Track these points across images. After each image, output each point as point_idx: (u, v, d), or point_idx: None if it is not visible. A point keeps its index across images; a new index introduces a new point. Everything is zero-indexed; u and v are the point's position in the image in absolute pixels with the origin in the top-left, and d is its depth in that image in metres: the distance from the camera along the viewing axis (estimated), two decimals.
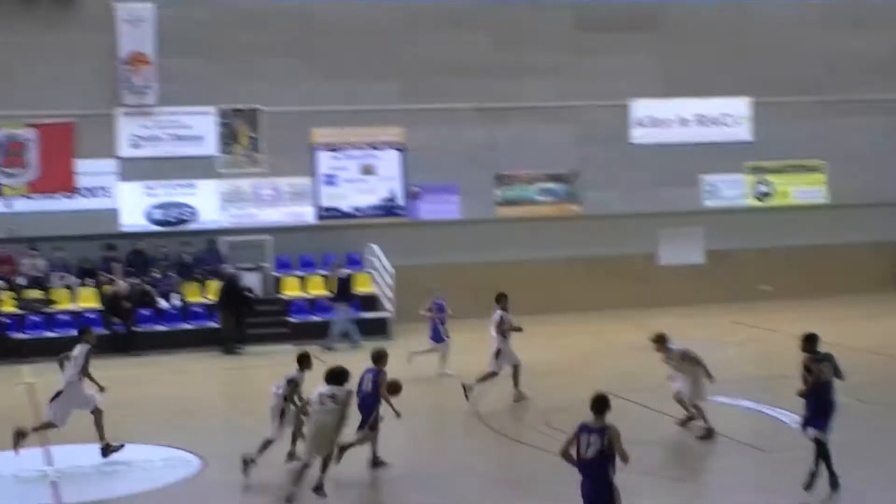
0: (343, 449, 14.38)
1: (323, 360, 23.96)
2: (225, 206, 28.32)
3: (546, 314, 27.63)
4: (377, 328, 26.54)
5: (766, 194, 31.57)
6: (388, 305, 27.24)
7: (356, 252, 28.74)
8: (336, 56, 28.94)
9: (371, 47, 29.08)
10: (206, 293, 26.81)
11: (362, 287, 27.86)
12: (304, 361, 14.79)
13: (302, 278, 27.90)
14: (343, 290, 25.82)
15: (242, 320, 25.50)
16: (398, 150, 29.39)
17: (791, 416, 16.74)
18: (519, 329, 18.92)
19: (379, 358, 15.13)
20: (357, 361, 23.12)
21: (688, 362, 16.09)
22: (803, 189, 31.77)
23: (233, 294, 25.42)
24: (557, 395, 18.32)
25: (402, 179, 29.42)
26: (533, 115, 30.04)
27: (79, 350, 15.58)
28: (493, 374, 18.75)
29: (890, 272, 31.87)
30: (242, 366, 23.91)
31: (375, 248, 28.07)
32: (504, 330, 18.86)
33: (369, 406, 14.74)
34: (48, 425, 15.62)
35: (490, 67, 29.63)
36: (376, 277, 28.03)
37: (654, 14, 30.91)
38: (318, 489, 13.51)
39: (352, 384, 14.18)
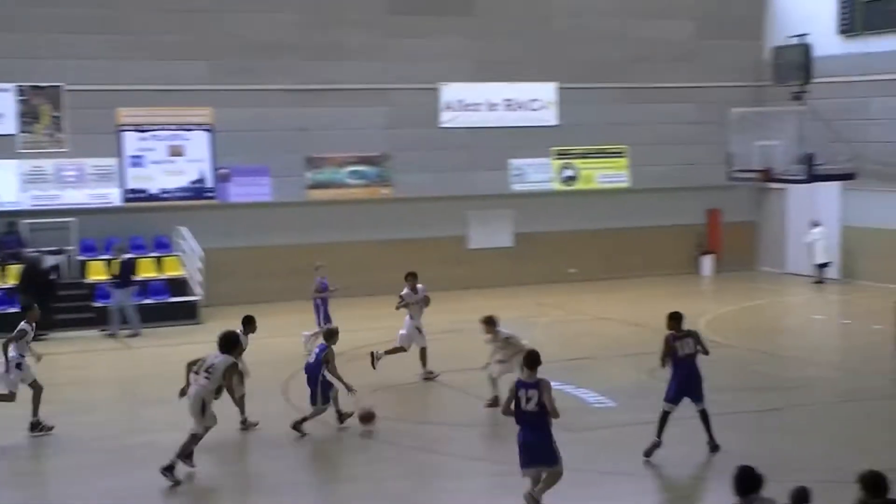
0: (299, 424, 15.47)
1: (123, 345, 23.56)
2: (25, 187, 27.37)
3: (358, 297, 27.74)
4: (187, 312, 26.15)
5: (571, 178, 32.40)
6: (197, 289, 26.86)
7: (165, 235, 28.23)
8: (143, 34, 28.27)
9: (179, 25, 28.52)
10: (6, 278, 25.89)
11: (171, 270, 27.40)
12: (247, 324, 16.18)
13: (108, 262, 27.20)
14: (125, 275, 25.23)
15: (46, 305, 24.67)
16: (207, 131, 28.94)
17: (596, 397, 17.38)
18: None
19: (330, 335, 16.07)
20: (138, 348, 23.01)
21: (510, 347, 16.54)
22: (607, 173, 32.74)
23: (34, 278, 24.60)
24: (370, 378, 18.44)
25: (211, 161, 29.00)
26: (344, 97, 30.01)
27: None
28: (401, 350, 19.23)
29: (689, 254, 33.23)
30: (46, 352, 23.17)
31: (184, 230, 27.62)
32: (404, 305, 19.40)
33: (313, 379, 15.60)
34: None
35: (301, 48, 29.48)
36: (185, 260, 27.60)
37: None
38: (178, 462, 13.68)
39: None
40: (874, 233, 29.97)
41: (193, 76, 28.65)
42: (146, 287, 26.50)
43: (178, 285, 26.93)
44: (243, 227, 28.99)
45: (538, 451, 11.53)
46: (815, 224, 30.97)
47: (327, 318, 21.45)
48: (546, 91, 31.95)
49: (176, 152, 28.69)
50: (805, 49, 30.19)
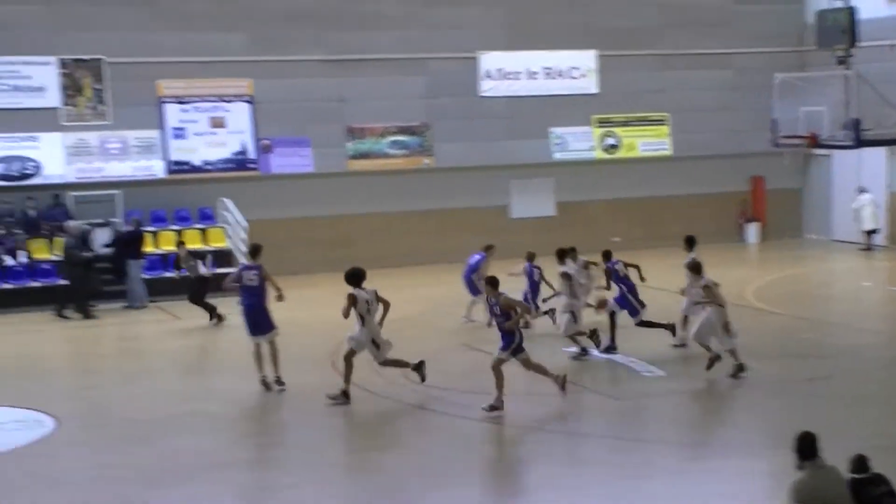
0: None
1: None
2: (70, 159, 27.54)
3: (399, 267, 27.84)
4: None
5: (613, 146, 32.22)
6: (242, 260, 26.95)
7: (208, 206, 28.34)
8: (183, 5, 28.31)
9: None
10: (54, 250, 26.09)
11: (216, 242, 27.52)
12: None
13: (154, 234, 27.35)
14: (136, 247, 25.32)
15: (91, 278, 24.89)
16: (248, 102, 28.99)
17: (644, 366, 17.33)
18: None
19: (256, 251, 17.27)
20: (148, 323, 23.21)
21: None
22: (649, 141, 32.51)
23: (81, 251, 24.71)
24: (410, 347, 18.45)
25: (252, 132, 29.05)
26: (383, 66, 29.95)
27: None
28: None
29: (733, 222, 32.99)
30: (92, 324, 23.43)
31: (228, 202, 27.72)
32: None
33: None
34: None
35: (339, 18, 29.40)
36: (230, 232, 27.71)
37: None
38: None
39: None
40: None
41: (233, 47, 28.67)
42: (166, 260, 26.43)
43: (223, 257, 27.04)
44: (285, 198, 29.03)
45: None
46: (863, 190, 30.64)
47: (528, 298, 20.47)
48: (586, 59, 31.73)
49: (217, 124, 28.76)
50: (850, 12, 29.72)
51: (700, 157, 32.33)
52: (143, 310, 24.65)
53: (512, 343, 14.94)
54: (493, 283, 15.31)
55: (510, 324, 14.86)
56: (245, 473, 13.17)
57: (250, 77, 28.87)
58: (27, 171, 27.13)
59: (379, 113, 30.06)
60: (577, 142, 31.86)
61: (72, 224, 25.38)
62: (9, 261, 25.59)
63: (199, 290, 23.34)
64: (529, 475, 13.02)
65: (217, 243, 27.46)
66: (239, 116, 28.86)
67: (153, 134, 28.19)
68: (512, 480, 12.89)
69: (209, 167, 28.63)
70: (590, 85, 31.80)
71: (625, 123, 32.28)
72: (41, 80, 27.22)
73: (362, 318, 15.68)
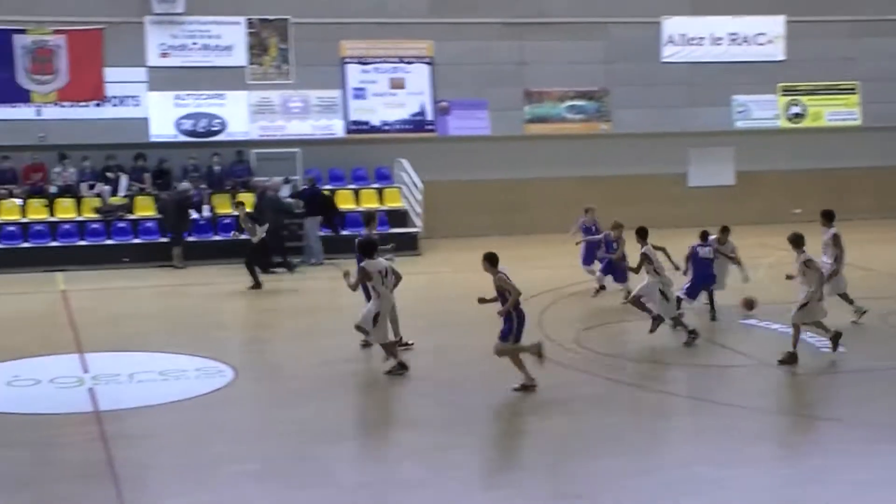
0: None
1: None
2: (254, 117, 28.24)
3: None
4: (407, 243, 26.56)
5: (798, 115, 31.27)
6: (417, 221, 27.25)
7: (385, 166, 28.68)
8: None
9: None
10: (237, 204, 26.75)
11: (392, 202, 27.84)
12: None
13: (331, 192, 27.81)
14: (314, 205, 25.62)
15: (284, 234, 25.34)
16: (427, 63, 29.16)
17: (823, 341, 16.79)
18: None
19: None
20: (322, 280, 23.42)
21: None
22: (837, 111, 31.44)
23: (275, 208, 25.09)
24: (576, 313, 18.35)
25: (431, 94, 29.23)
26: (563, 30, 29.71)
27: None
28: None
29: None
30: (275, 278, 23.94)
31: (405, 162, 28.00)
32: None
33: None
34: None
35: None
36: (405, 192, 28.00)
37: None
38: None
39: None
40: None
41: (414, 9, 28.86)
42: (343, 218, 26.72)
43: (399, 217, 27.36)
44: (461, 160, 29.15)
45: None
46: None
47: (603, 266, 20.34)
48: (774, 25, 30.83)
49: (397, 85, 29.03)
50: None
51: (892, 127, 31.08)
52: (319, 266, 25.10)
53: (511, 331, 13.95)
54: (492, 259, 14.19)
55: (502, 311, 13.90)
56: (414, 432, 13.31)
57: (431, 39, 29.04)
58: (213, 128, 27.96)
59: (557, 77, 29.86)
60: (761, 110, 31.04)
61: (276, 180, 26.02)
62: (194, 215, 26.43)
63: (257, 254, 22.76)
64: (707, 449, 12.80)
65: (392, 203, 27.79)
66: (418, 78, 29.08)
67: (334, 94, 28.65)
68: (687, 452, 12.69)
69: (387, 128, 28.95)
70: (776, 52, 30.91)
71: (812, 92, 31.28)
72: (230, 39, 27.97)
73: (377, 292, 14.90)
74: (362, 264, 15.04)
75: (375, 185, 28.37)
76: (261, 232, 22.75)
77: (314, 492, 11.08)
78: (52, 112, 27.09)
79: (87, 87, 27.10)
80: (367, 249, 15.17)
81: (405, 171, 27.96)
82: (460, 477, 11.39)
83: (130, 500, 10.84)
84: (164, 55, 27.65)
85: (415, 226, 27.20)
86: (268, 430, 13.27)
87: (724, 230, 19.24)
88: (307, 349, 17.45)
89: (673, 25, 30.40)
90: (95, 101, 27.22)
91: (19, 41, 26.45)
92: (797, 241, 15.54)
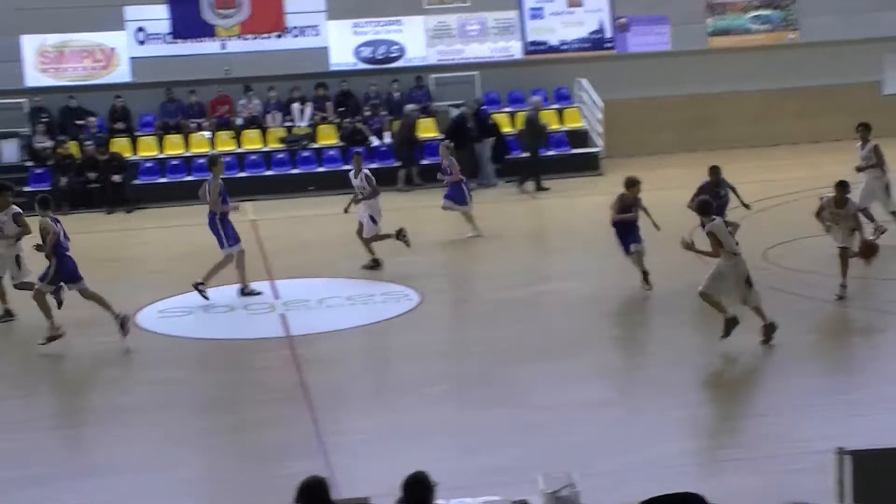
0: None
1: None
2: (432, 42, 28.18)
3: (758, 147, 26.84)
4: (588, 163, 26.27)
5: None
6: (598, 141, 26.86)
7: (564, 86, 28.29)
8: None
9: None
10: (429, 131, 26.81)
11: (572, 122, 27.49)
12: None
13: (511, 115, 27.63)
14: (482, 129, 25.54)
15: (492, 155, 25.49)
16: None
17: None
18: None
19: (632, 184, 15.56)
20: (543, 199, 23.16)
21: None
22: None
23: (462, 133, 25.10)
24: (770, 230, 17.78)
25: (609, 11, 28.59)
26: None
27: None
28: None
29: None
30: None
31: (584, 82, 27.55)
32: None
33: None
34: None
35: None
36: (585, 112, 27.60)
37: None
38: None
39: None
40: None
41: None
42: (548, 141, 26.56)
43: (579, 137, 27.00)
44: (641, 77, 28.43)
45: None
46: None
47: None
48: None
49: (574, 3, 28.47)
50: None
51: None
52: (492, 188, 25.02)
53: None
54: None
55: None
56: (603, 354, 13.18)
57: None
58: (392, 55, 28.03)
59: None
60: None
61: (535, 99, 26.07)
62: (374, 141, 26.66)
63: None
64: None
65: (573, 123, 27.43)
66: None
67: (511, 15, 28.32)
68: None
69: (565, 47, 28.49)
70: None
71: None
72: None
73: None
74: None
75: (555, 106, 28.01)
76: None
77: (501, 412, 11.11)
78: (235, 45, 27.58)
79: (268, 19, 27.48)
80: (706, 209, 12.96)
81: (585, 91, 27.51)
82: (651, 395, 11.25)
83: (324, 421, 11.08)
84: None
85: (595, 146, 26.81)
86: (455, 351, 13.37)
87: None
88: (493, 272, 17.44)
89: None
90: (277, 33, 27.60)
91: None
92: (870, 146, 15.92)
